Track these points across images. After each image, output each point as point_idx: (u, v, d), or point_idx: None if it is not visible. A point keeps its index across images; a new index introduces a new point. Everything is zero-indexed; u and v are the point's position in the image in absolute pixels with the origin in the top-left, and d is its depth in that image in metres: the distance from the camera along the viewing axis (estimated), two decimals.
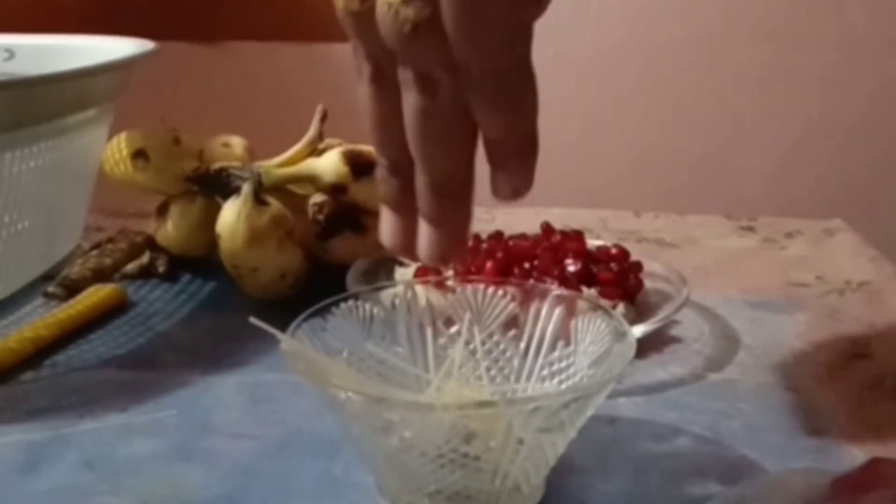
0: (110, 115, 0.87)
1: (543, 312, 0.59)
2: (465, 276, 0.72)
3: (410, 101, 0.44)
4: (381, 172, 0.49)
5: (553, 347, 0.58)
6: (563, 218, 0.88)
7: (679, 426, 0.61)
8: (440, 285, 0.62)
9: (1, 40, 0.97)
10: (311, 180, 0.85)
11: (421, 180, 0.47)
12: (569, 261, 0.74)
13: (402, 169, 0.48)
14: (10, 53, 0.95)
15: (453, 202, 0.47)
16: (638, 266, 0.76)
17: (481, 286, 0.61)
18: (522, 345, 0.59)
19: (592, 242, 0.79)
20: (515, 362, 0.59)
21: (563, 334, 0.57)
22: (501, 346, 0.59)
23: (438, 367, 0.58)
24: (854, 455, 0.57)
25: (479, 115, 0.44)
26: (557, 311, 0.58)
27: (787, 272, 0.89)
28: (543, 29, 0.45)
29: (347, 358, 0.56)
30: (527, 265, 0.74)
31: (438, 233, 0.48)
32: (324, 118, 0.87)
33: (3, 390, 0.67)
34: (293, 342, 0.52)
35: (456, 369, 0.57)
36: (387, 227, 0.51)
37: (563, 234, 0.79)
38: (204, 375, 0.69)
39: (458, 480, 0.49)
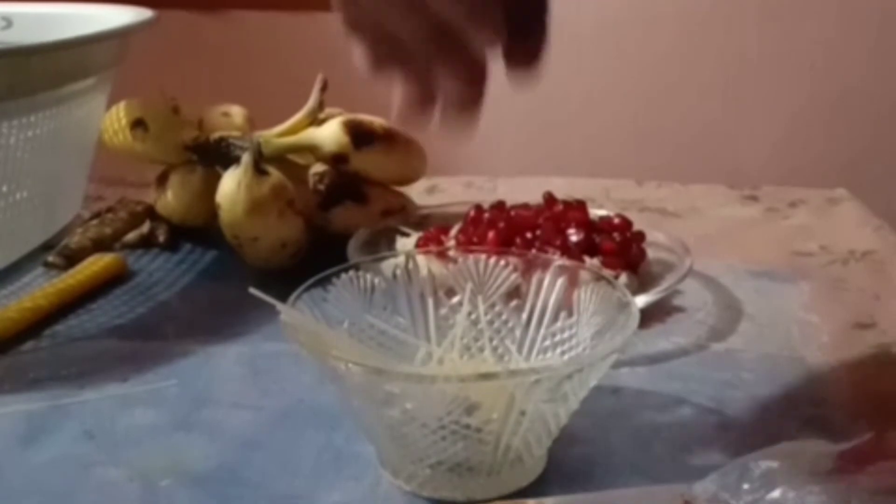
0: (109, 85, 0.87)
1: (546, 283, 0.58)
2: (466, 246, 0.72)
3: None
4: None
5: (555, 318, 0.57)
6: (565, 187, 0.88)
7: (682, 396, 0.61)
8: (441, 255, 0.62)
9: None
10: (312, 150, 0.84)
11: None
12: (571, 231, 0.74)
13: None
14: (8, 22, 0.95)
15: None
16: (641, 236, 0.76)
17: (483, 256, 0.60)
18: (525, 315, 0.59)
19: (595, 212, 0.79)
20: (517, 333, 0.59)
21: (566, 305, 0.57)
22: (503, 317, 0.59)
23: (440, 338, 0.58)
24: (859, 426, 0.56)
25: None
26: (560, 282, 0.58)
27: (791, 242, 0.89)
28: None
29: (348, 329, 0.56)
30: (529, 235, 0.74)
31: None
32: (324, 88, 0.87)
33: (4, 361, 0.67)
34: (293, 313, 0.52)
35: (458, 340, 0.57)
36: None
37: (566, 203, 0.78)
38: (204, 346, 0.69)
39: (460, 452, 0.49)
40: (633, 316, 0.51)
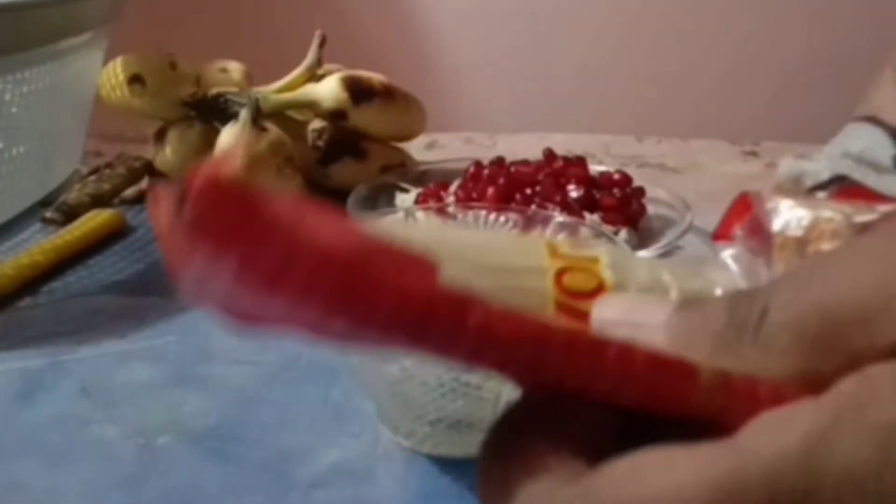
0: (105, 40, 0.86)
1: None
2: (466, 202, 0.71)
3: None
4: None
5: None
6: (565, 143, 0.87)
7: None
8: (441, 211, 0.61)
9: None
10: (310, 106, 0.84)
11: None
12: (571, 187, 0.74)
13: None
14: None
15: None
16: (641, 192, 0.76)
17: (483, 213, 0.60)
18: None
19: (595, 168, 0.78)
20: None
21: None
22: None
23: None
24: None
25: None
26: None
27: None
28: None
29: None
30: (529, 191, 0.73)
31: None
32: (322, 43, 0.86)
33: (0, 318, 0.66)
34: None
35: None
36: None
37: (566, 159, 0.78)
38: None
39: (460, 409, 0.49)
40: None
